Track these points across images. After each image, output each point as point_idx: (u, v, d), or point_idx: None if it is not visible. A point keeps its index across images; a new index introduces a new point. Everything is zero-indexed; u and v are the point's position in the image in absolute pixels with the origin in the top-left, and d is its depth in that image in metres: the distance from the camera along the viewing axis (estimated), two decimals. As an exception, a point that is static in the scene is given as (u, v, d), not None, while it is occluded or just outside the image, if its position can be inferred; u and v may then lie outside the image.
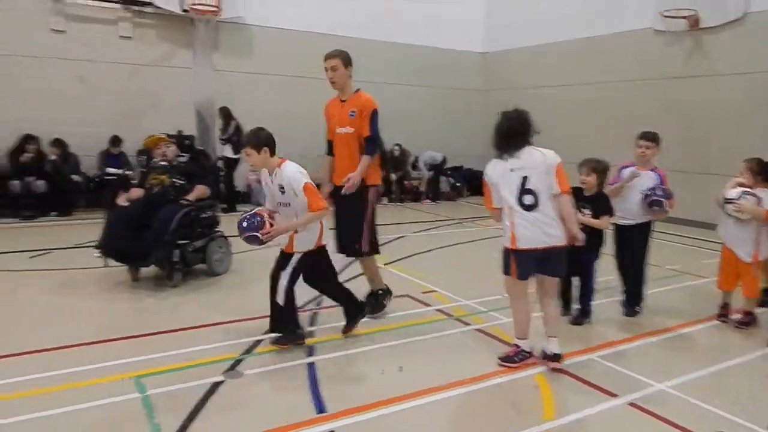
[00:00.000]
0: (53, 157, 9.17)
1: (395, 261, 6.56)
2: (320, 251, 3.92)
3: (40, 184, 8.85)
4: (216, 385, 3.37)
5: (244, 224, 3.76)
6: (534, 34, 12.27)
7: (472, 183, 12.95)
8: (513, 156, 3.56)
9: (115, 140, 9.76)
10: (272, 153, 3.75)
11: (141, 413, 3.05)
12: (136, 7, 9.95)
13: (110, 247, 5.33)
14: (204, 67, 10.69)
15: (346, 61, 4.37)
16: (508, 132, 3.59)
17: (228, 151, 10.08)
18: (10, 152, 8.98)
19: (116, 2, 9.81)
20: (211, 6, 10.03)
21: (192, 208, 5.55)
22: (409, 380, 3.52)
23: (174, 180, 5.76)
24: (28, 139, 9.02)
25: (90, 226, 5.88)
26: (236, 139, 9.96)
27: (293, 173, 3.70)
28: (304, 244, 3.81)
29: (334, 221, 4.55)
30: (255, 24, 10.93)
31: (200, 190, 5.73)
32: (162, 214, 5.31)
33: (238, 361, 3.72)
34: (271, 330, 4.03)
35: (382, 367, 3.72)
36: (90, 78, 9.68)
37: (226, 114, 10.15)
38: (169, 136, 7.72)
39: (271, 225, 3.72)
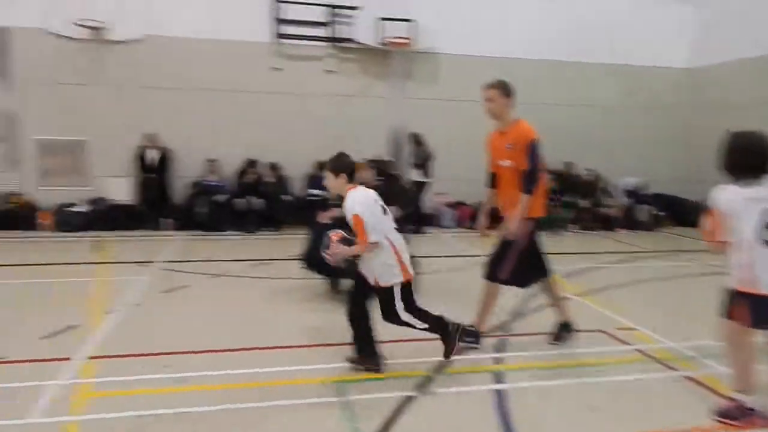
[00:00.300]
0: (269, 179, 10.47)
1: (588, 293, 6.20)
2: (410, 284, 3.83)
3: (259, 202, 10.15)
4: (408, 399, 3.51)
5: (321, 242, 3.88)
6: (749, 45, 10.77)
7: (673, 212, 11.74)
8: (754, 183, 3.14)
9: (320, 165, 10.78)
10: (350, 180, 3.78)
11: (341, 416, 3.30)
12: (340, 44, 10.98)
13: (311, 260, 5.92)
14: (397, 96, 11.36)
15: (505, 90, 4.24)
16: (746, 155, 3.17)
17: (417, 175, 10.52)
18: (236, 174, 10.48)
19: (324, 41, 10.95)
20: (405, 39, 10.64)
21: None
22: (605, 422, 3.30)
23: None
24: (251, 163, 10.44)
25: (297, 241, 6.58)
26: (425, 163, 10.39)
27: (351, 202, 3.68)
28: (385, 277, 3.74)
29: None
30: (444, 52, 11.30)
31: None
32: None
33: (428, 378, 3.83)
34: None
35: (574, 403, 3.54)
36: (299, 109, 10.89)
37: (415, 139, 10.64)
38: (368, 161, 8.31)
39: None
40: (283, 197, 10.49)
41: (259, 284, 6.48)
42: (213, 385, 3.71)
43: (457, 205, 11.38)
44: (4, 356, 4.08)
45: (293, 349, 4.37)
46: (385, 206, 3.87)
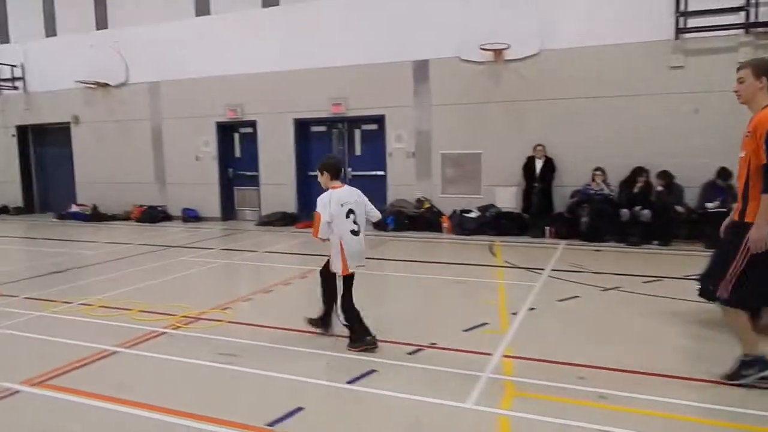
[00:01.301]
0: (659, 188, 9.63)
1: None
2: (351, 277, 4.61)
3: (646, 213, 9.44)
4: None
5: None
6: None
7: None
8: None
9: (722, 172, 9.35)
10: (332, 177, 4.57)
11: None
12: (760, 29, 9.29)
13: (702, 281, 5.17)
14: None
15: (757, 71, 3.68)
16: None
17: None
18: (621, 182, 9.99)
19: (738, 28, 9.43)
20: None
21: None
22: None
23: None
24: (639, 170, 9.79)
25: (690, 258, 5.81)
26: None
27: (319, 199, 4.51)
28: (334, 266, 4.59)
29: None
30: None
31: None
32: None
33: None
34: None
35: None
36: (703, 109, 9.67)
37: None
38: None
39: None
40: (676, 208, 9.49)
41: (654, 303, 5.96)
42: (635, 408, 3.54)
43: None
44: (435, 342, 4.79)
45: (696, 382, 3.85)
46: (353, 210, 4.51)
